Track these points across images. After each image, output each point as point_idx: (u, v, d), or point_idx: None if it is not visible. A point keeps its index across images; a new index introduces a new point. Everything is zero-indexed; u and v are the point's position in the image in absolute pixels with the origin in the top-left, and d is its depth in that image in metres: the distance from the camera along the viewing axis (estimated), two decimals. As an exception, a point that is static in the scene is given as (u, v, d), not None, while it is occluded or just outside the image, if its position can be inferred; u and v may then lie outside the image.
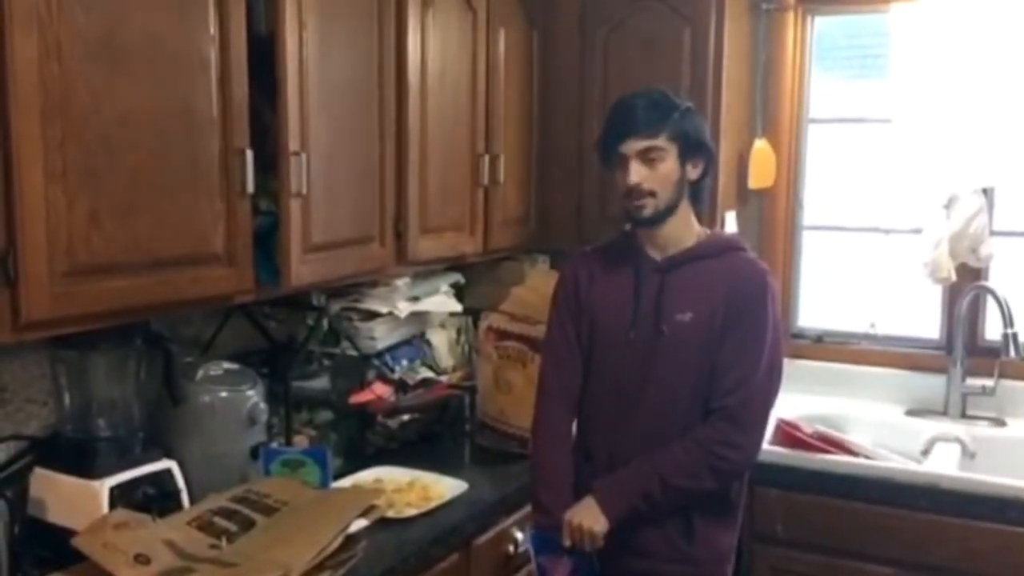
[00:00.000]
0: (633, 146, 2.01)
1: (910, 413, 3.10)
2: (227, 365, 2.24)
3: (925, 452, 2.85)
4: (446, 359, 2.96)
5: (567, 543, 2.01)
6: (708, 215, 2.86)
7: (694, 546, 2.07)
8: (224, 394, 2.16)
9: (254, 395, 2.21)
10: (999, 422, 2.99)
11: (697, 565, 2.09)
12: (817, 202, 3.34)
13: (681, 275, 2.06)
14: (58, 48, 1.56)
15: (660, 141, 2.00)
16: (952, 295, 3.10)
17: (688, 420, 2.02)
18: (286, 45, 1.98)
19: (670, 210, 2.06)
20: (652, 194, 2.02)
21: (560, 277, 2.25)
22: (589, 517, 1.99)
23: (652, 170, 2.01)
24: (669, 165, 2.02)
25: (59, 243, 1.59)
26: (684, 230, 2.10)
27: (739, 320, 2.01)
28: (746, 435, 2.01)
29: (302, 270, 2.09)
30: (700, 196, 2.13)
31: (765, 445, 2.73)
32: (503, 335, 2.70)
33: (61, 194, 1.59)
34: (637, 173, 2.01)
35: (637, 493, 2.00)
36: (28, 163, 1.53)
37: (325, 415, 2.54)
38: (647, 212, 2.04)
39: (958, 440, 2.86)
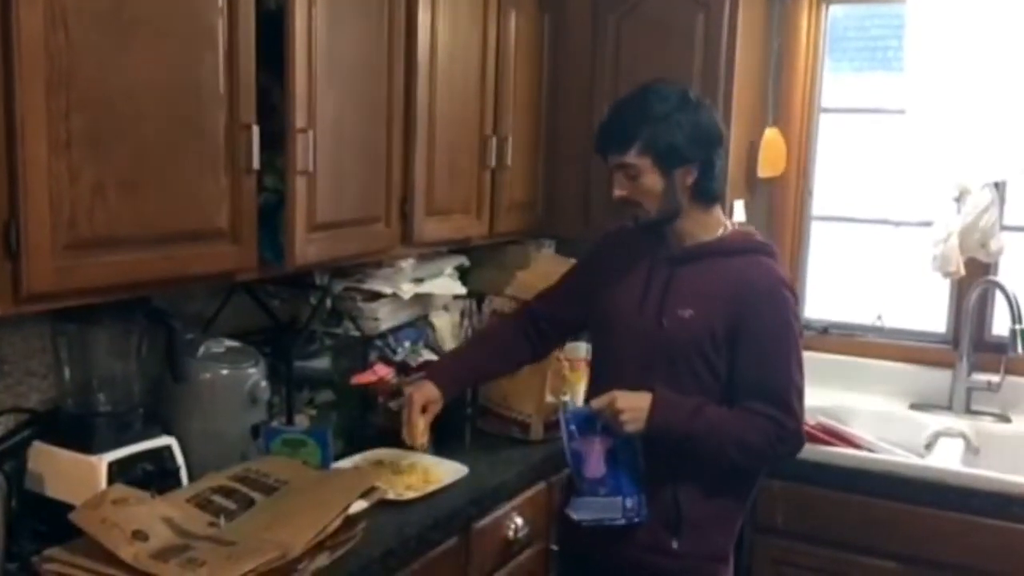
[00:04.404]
0: (609, 161, 2.00)
1: (914, 407, 3.09)
2: (229, 343, 2.23)
3: (929, 446, 2.85)
4: (449, 342, 2.94)
5: (595, 408, 1.98)
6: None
7: (681, 540, 1.99)
8: (225, 372, 2.15)
9: (256, 373, 2.19)
10: (1004, 418, 2.98)
11: (682, 560, 2.00)
12: (827, 192, 3.32)
13: (690, 270, 2.01)
14: (64, 18, 1.54)
15: (630, 158, 1.95)
16: (960, 289, 3.09)
17: None
18: (295, 20, 1.95)
19: (668, 215, 2.00)
20: (638, 204, 1.99)
21: (597, 239, 2.27)
22: (632, 413, 1.93)
23: (633, 183, 1.97)
24: (649, 179, 1.96)
25: (62, 215, 1.57)
26: (698, 228, 2.03)
27: (752, 331, 1.93)
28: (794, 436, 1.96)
29: (307, 249, 2.07)
30: (708, 195, 2.02)
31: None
32: (507, 319, 2.68)
33: (65, 166, 1.57)
34: (620, 186, 2.00)
35: (684, 430, 1.93)
36: (32, 134, 1.51)
37: (326, 395, 2.53)
38: (640, 220, 2.03)
39: (962, 435, 2.85)
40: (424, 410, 2.13)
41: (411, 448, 2.18)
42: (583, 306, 2.18)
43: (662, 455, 1.97)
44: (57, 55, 1.53)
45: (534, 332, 2.29)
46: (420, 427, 2.11)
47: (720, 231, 2.05)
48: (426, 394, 2.14)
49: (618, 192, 2.00)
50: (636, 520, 1.97)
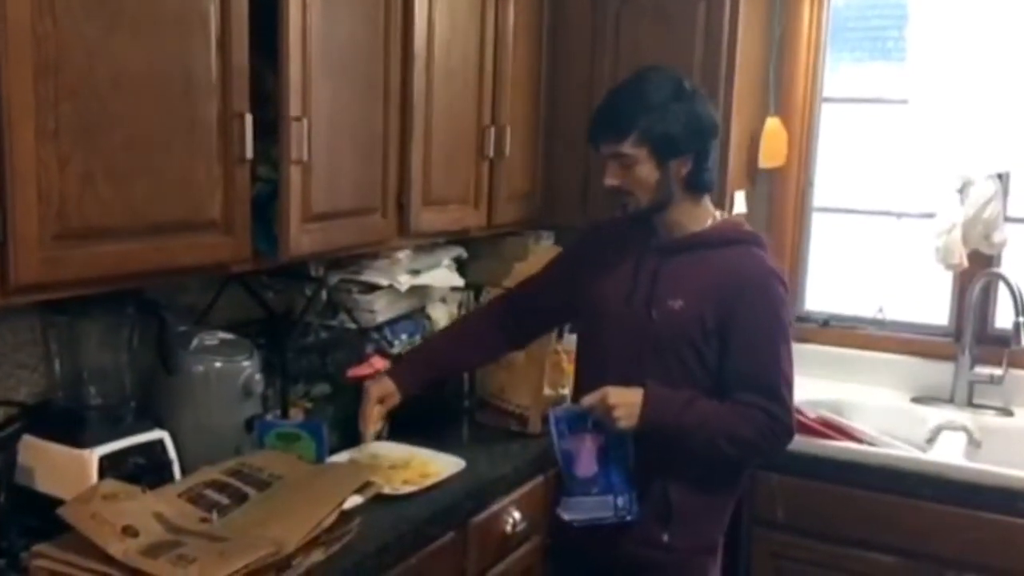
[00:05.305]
0: (603, 150, 1.98)
1: (916, 400, 3.07)
2: (223, 335, 2.20)
3: (930, 440, 2.83)
4: (446, 334, 2.92)
5: (585, 404, 1.96)
6: (717, 194, 2.82)
7: (671, 533, 1.99)
8: (219, 364, 2.12)
9: (250, 366, 2.16)
10: (1006, 412, 2.96)
11: (673, 553, 2.00)
12: (828, 183, 3.29)
13: (679, 261, 2.00)
14: (52, 4, 1.51)
15: (626, 147, 1.94)
16: (963, 281, 3.06)
17: None
18: (289, 6, 1.92)
19: (660, 205, 2.00)
20: (631, 193, 1.98)
21: (583, 230, 2.27)
22: (625, 409, 1.91)
23: (627, 173, 1.96)
24: (644, 169, 1.95)
25: (51, 205, 1.54)
26: (687, 218, 2.03)
27: (742, 323, 1.92)
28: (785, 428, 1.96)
29: (301, 240, 2.04)
30: (701, 186, 2.01)
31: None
32: (505, 311, 2.65)
33: (53, 154, 1.54)
34: (612, 175, 1.99)
35: (677, 424, 1.92)
36: (19, 122, 1.48)
37: (322, 388, 2.50)
38: (630, 209, 2.02)
39: (964, 429, 2.83)
40: (382, 402, 2.16)
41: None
42: (565, 296, 2.18)
43: (652, 449, 1.96)
44: (45, 42, 1.50)
45: (512, 322, 2.28)
46: (371, 418, 2.15)
47: (709, 221, 2.05)
48: (383, 388, 2.18)
49: (610, 181, 1.99)
50: (628, 518, 1.96)
